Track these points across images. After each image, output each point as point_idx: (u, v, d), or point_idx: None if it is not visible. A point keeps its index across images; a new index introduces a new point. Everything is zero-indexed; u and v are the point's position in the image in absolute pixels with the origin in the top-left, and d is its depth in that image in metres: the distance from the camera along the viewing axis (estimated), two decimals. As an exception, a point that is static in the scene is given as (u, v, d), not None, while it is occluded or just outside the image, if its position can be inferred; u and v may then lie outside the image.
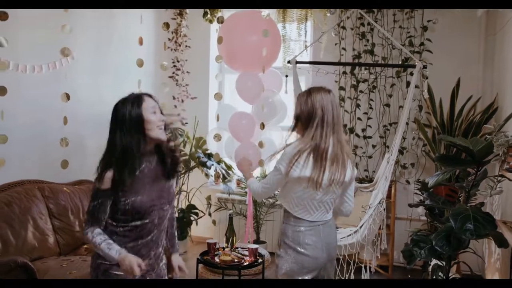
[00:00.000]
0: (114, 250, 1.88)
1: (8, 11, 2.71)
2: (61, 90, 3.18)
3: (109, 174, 1.86)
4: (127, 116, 1.86)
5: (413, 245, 2.63)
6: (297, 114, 2.20)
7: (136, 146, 1.86)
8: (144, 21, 3.23)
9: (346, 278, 3.17)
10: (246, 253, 3.41)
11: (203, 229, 5.06)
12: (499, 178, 2.51)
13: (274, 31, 3.98)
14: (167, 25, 3.54)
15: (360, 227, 3.32)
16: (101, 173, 1.87)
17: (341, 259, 3.02)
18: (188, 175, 4.92)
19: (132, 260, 1.85)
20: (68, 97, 3.15)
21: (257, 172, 4.83)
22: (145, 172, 1.93)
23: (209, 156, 4.73)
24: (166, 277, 2.15)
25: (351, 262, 3.15)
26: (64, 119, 3.06)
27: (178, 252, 2.23)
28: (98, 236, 1.90)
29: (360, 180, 4.44)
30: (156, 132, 1.91)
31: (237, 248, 3.53)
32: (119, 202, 1.90)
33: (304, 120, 2.17)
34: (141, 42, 3.20)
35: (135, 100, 1.90)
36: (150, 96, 1.95)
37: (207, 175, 4.87)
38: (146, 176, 1.93)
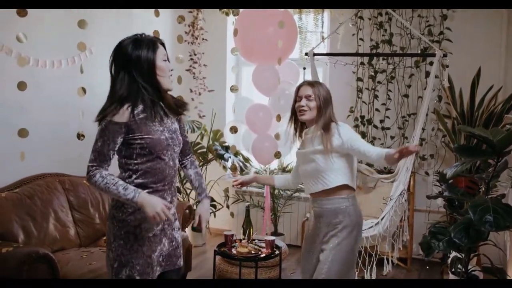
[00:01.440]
0: (130, 189, 1.80)
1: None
2: (79, 84, 3.22)
3: (128, 109, 1.83)
4: (143, 59, 1.86)
5: (431, 237, 2.60)
6: (323, 102, 2.35)
7: (151, 86, 1.88)
8: (161, 14, 3.25)
9: (368, 269, 3.17)
10: (263, 245, 3.42)
11: (221, 221, 5.10)
12: (520, 169, 2.46)
13: (290, 23, 3.95)
14: (182, 18, 3.55)
15: (382, 218, 3.30)
16: (117, 106, 1.82)
17: (362, 251, 3.02)
18: (206, 167, 4.95)
19: (155, 202, 1.78)
20: (84, 91, 3.19)
21: (274, 165, 4.83)
22: (155, 112, 1.93)
23: (227, 148, 4.75)
24: (180, 248, 2.12)
25: (373, 254, 3.14)
26: (81, 113, 3.11)
27: (207, 198, 2.21)
28: (109, 177, 1.82)
29: (378, 171, 4.40)
30: (167, 80, 1.94)
31: (254, 240, 3.54)
32: (134, 141, 1.86)
33: (328, 105, 2.37)
34: (157, 36, 3.22)
35: (150, 44, 1.90)
36: (161, 43, 1.96)
37: (224, 167, 4.89)
38: (157, 117, 1.92)
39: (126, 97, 1.85)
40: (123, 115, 1.83)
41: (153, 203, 1.79)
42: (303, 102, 2.36)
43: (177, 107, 2.05)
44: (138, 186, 1.89)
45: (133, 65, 1.86)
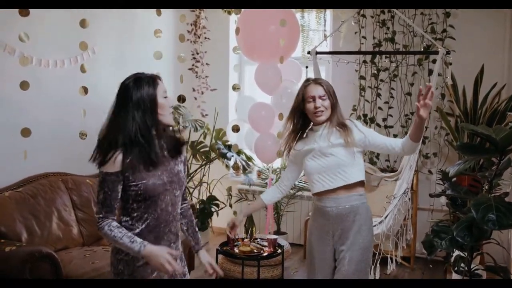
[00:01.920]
0: (137, 243, 1.75)
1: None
2: (82, 84, 3.23)
3: (119, 156, 1.76)
4: (145, 97, 1.79)
5: (433, 235, 2.59)
6: (335, 98, 2.34)
7: (150, 128, 1.80)
8: (164, 13, 3.24)
9: (372, 268, 3.16)
10: (266, 243, 3.42)
11: (224, 220, 5.07)
12: (523, 167, 2.44)
13: (292, 21, 3.94)
14: (184, 17, 3.56)
15: (385, 217, 3.30)
16: (107, 154, 1.75)
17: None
18: (209, 166, 4.95)
19: (159, 253, 1.72)
20: (86, 90, 3.19)
21: (277, 163, 4.83)
22: (151, 154, 1.82)
23: (229, 147, 4.75)
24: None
25: (376, 253, 3.13)
26: (83, 112, 3.12)
27: (204, 248, 2.12)
28: (116, 230, 1.77)
29: (381, 170, 4.39)
30: (168, 117, 1.87)
31: (256, 239, 3.55)
32: (129, 187, 1.79)
33: (337, 100, 2.35)
34: (158, 34, 3.23)
35: (150, 81, 1.83)
36: (160, 79, 1.90)
37: (227, 166, 4.89)
38: (152, 160, 1.82)
39: (119, 139, 1.77)
40: (116, 164, 1.76)
41: (156, 255, 1.74)
42: (319, 103, 2.27)
43: (179, 146, 1.97)
44: (136, 231, 1.84)
45: (134, 104, 1.78)
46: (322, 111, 2.28)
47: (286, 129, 2.42)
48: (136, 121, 1.77)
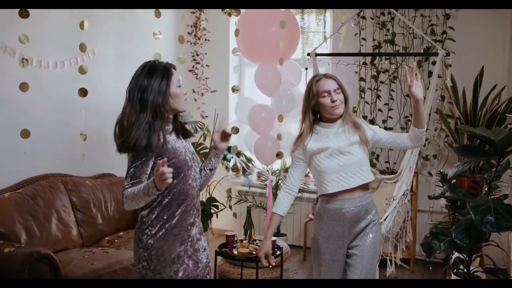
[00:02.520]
0: (146, 184, 1.82)
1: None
2: (82, 85, 3.23)
3: (148, 135, 1.86)
4: (157, 86, 1.88)
5: (432, 237, 2.58)
6: (346, 93, 2.33)
7: (164, 114, 1.90)
8: (164, 14, 3.24)
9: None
10: (265, 245, 3.41)
11: (224, 221, 5.09)
12: (522, 169, 2.43)
13: (292, 23, 3.95)
14: (184, 18, 3.56)
15: (385, 219, 3.29)
16: (130, 135, 1.85)
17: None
18: (209, 168, 4.94)
19: (156, 173, 1.77)
20: (85, 92, 3.19)
21: (277, 165, 4.83)
22: (174, 135, 1.99)
23: (229, 149, 4.74)
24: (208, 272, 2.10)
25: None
26: (84, 114, 3.12)
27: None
28: (132, 188, 1.85)
29: (381, 172, 4.39)
30: (182, 104, 1.99)
31: (255, 240, 3.54)
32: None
33: None
34: (156, 36, 3.23)
35: (165, 71, 1.93)
36: (174, 68, 2.00)
37: (227, 168, 4.89)
38: (177, 139, 1.99)
39: (143, 121, 1.87)
40: (146, 141, 1.85)
41: (156, 176, 1.77)
42: (335, 96, 2.24)
43: (187, 132, 2.12)
44: (165, 207, 1.93)
45: (150, 92, 1.88)
46: (339, 104, 2.25)
47: (301, 129, 2.35)
48: (152, 107, 1.87)
